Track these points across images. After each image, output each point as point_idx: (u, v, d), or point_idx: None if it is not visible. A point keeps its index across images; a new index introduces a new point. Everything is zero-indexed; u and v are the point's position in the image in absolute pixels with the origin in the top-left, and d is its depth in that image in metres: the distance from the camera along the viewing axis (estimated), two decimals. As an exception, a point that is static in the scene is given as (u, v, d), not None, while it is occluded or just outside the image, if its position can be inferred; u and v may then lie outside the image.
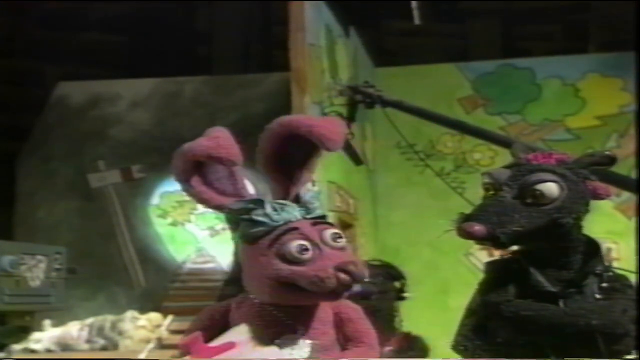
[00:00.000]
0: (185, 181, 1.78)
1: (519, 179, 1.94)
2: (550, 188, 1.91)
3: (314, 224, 1.77)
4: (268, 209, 1.74)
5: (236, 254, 1.88)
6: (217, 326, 1.83)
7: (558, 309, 1.90)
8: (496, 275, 2.03)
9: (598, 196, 1.98)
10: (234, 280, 1.90)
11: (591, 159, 2.00)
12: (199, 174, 1.78)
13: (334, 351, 1.82)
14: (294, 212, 1.77)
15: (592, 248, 1.99)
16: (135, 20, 7.44)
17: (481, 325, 1.99)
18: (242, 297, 1.85)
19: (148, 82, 6.31)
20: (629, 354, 1.91)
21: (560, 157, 2.00)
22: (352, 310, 1.87)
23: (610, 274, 1.99)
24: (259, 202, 1.76)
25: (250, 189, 1.81)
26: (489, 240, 1.89)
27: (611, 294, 1.94)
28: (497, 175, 1.97)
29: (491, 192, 1.97)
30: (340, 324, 1.84)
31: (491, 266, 2.07)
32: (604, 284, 1.96)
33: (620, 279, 2.01)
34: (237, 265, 1.88)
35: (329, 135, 1.72)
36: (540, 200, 1.90)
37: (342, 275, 1.67)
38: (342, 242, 1.77)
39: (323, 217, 1.81)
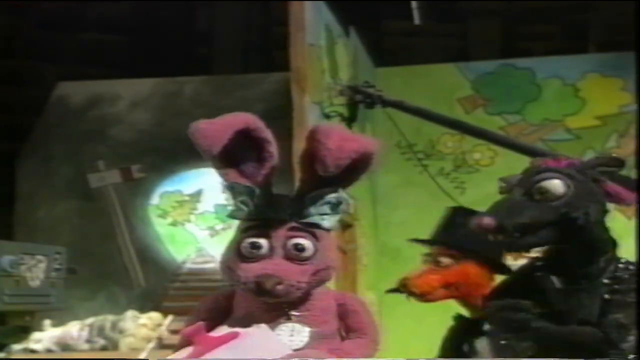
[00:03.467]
0: (215, 150, 1.76)
1: (527, 180, 2.06)
2: (555, 185, 2.01)
3: (291, 229, 1.78)
4: (256, 200, 1.77)
5: None
6: (221, 309, 1.85)
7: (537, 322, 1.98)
8: (515, 276, 2.19)
9: (621, 200, 2.10)
10: None
11: (598, 160, 2.12)
12: (231, 149, 1.78)
13: (334, 340, 1.84)
14: (281, 212, 1.78)
15: (613, 248, 2.12)
16: (135, 20, 7.44)
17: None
18: None
19: (148, 82, 6.31)
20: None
21: (569, 161, 2.12)
22: (358, 302, 1.91)
23: (626, 276, 2.07)
24: (250, 191, 1.77)
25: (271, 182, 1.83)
26: (499, 232, 1.98)
27: (625, 295, 2.01)
28: (510, 179, 2.11)
29: (504, 195, 2.09)
30: (344, 315, 1.87)
31: (519, 269, 2.21)
32: (616, 286, 2.04)
33: (632, 283, 2.06)
34: None
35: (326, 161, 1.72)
36: (548, 197, 2.00)
37: (252, 286, 1.72)
38: (302, 254, 1.77)
39: (315, 225, 1.80)
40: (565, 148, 5.76)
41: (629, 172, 5.63)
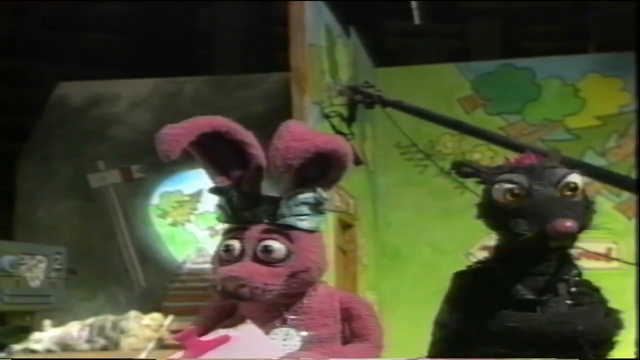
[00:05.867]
0: (173, 155, 1.80)
1: (549, 175, 1.93)
2: (577, 178, 1.92)
3: (264, 231, 1.76)
4: (235, 202, 1.78)
5: None
6: (226, 307, 1.87)
7: (542, 317, 1.89)
8: (469, 286, 2.01)
9: None
10: None
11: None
12: (213, 146, 1.84)
13: (333, 344, 1.83)
14: (257, 214, 1.78)
15: (564, 252, 1.98)
16: (135, 20, 7.44)
17: (454, 339, 1.98)
18: None
19: (148, 82, 6.30)
20: (606, 356, 1.91)
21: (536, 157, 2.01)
22: (364, 306, 1.89)
23: (577, 278, 1.98)
24: (226, 192, 1.80)
25: (250, 177, 1.83)
26: (576, 234, 1.87)
27: (580, 298, 1.93)
28: (519, 179, 1.93)
29: (519, 196, 1.92)
30: (349, 318, 1.86)
31: (462, 277, 2.05)
32: (573, 289, 1.94)
33: (587, 283, 2.00)
34: None
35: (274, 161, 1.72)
36: (574, 192, 1.91)
37: (220, 290, 1.74)
38: (271, 256, 1.74)
39: (288, 226, 1.78)
40: (565, 148, 5.75)
41: (629, 172, 5.65)
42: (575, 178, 1.92)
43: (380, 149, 6.17)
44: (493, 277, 1.96)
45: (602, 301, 1.98)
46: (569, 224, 1.82)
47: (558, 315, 1.89)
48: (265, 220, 1.77)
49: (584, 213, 1.90)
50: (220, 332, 1.73)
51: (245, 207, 1.78)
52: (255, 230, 1.76)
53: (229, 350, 1.68)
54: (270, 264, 1.74)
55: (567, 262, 1.98)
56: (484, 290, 1.96)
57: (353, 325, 1.86)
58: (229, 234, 1.79)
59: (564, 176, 1.92)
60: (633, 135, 5.87)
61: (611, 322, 1.92)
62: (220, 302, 1.89)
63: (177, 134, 1.78)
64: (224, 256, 1.77)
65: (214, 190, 1.82)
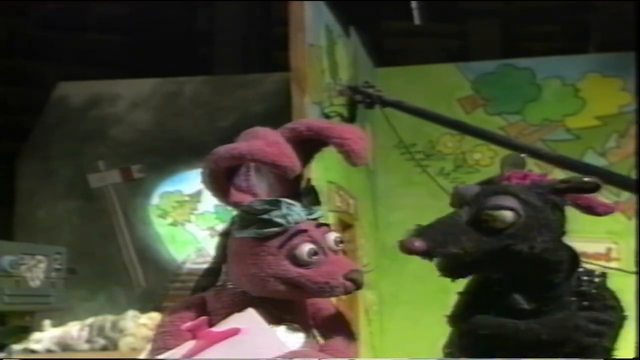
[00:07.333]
0: (216, 178, 1.77)
1: (479, 200, 1.92)
2: (504, 215, 1.86)
3: (318, 226, 1.80)
4: (284, 210, 1.76)
5: (220, 247, 1.89)
6: (193, 318, 1.83)
7: (514, 324, 1.89)
8: (471, 288, 2.03)
9: (595, 214, 1.96)
10: (213, 271, 1.91)
11: (567, 185, 1.94)
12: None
13: (313, 341, 1.84)
14: (301, 213, 1.79)
15: (574, 266, 1.96)
16: (135, 20, 7.45)
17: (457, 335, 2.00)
18: (219, 288, 1.86)
19: (148, 82, 6.31)
20: None
21: (536, 179, 1.97)
22: (327, 301, 1.92)
23: (594, 291, 1.95)
24: (276, 203, 1.77)
25: (260, 185, 1.82)
26: (428, 258, 1.91)
27: (591, 313, 1.92)
28: (464, 192, 1.96)
29: (455, 209, 1.95)
30: (317, 314, 1.89)
31: (472, 280, 2.05)
32: (585, 303, 1.93)
33: (603, 298, 1.96)
34: (219, 257, 1.89)
35: (360, 153, 1.76)
36: (493, 225, 1.87)
37: (349, 284, 1.77)
38: (342, 246, 1.82)
39: (321, 217, 1.83)
40: (565, 148, 5.77)
41: (629, 172, 5.64)
42: (500, 214, 1.87)
43: (380, 149, 6.16)
44: (496, 283, 1.95)
45: (607, 316, 1.94)
46: (417, 243, 1.88)
47: (528, 324, 1.88)
48: (306, 219, 1.80)
49: (474, 243, 1.86)
50: (230, 324, 1.73)
51: (290, 212, 1.78)
52: (312, 229, 1.78)
53: (239, 343, 1.68)
54: (342, 253, 1.83)
55: (579, 274, 1.96)
56: (483, 296, 1.97)
57: (325, 320, 1.89)
58: (295, 239, 1.76)
59: (488, 208, 1.88)
60: (633, 135, 5.87)
61: (582, 334, 1.88)
62: (186, 314, 1.85)
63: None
64: (309, 260, 1.75)
65: (265, 207, 1.77)
